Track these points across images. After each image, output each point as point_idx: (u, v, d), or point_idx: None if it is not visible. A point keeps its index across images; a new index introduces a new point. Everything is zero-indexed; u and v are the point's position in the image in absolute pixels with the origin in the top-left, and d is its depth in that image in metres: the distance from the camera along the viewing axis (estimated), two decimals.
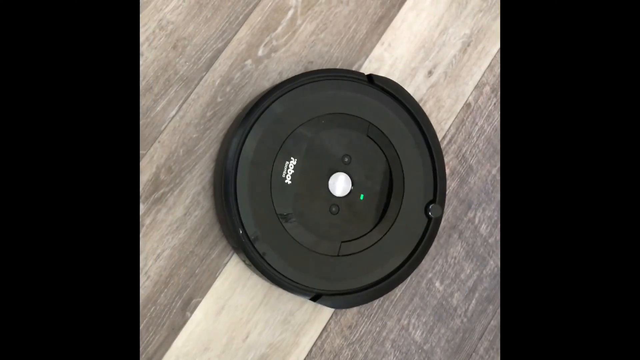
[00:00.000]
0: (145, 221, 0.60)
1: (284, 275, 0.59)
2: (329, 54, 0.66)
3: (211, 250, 0.62)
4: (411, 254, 0.62)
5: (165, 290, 0.61)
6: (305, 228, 0.59)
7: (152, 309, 0.61)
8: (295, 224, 0.59)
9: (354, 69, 0.67)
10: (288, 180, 0.59)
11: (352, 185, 0.61)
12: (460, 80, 0.70)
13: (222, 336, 0.62)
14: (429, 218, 0.63)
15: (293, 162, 0.59)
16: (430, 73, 0.69)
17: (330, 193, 0.61)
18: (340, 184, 0.61)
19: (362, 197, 0.61)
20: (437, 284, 0.69)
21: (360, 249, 0.61)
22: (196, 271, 0.62)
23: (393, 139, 0.62)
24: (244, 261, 0.61)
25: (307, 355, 0.64)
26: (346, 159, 0.61)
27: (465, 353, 0.70)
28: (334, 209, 0.60)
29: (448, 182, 0.69)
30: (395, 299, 0.67)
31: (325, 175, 0.60)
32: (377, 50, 0.68)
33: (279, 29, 0.65)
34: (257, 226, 0.58)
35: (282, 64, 0.65)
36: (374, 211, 0.62)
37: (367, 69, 0.67)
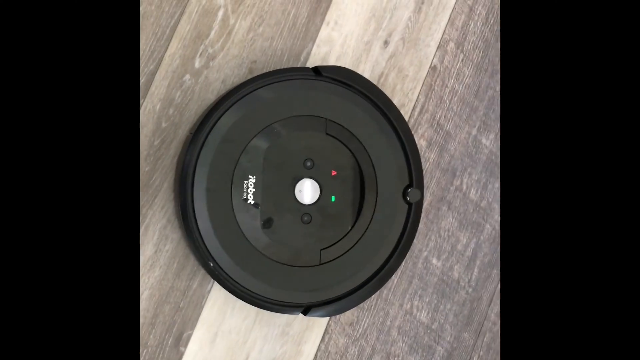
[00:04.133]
0: None
1: (267, 298, 0.56)
2: (271, 49, 0.61)
3: (191, 281, 0.60)
4: (397, 245, 0.59)
5: (154, 330, 0.59)
6: (279, 245, 0.56)
7: (144, 351, 0.59)
8: (268, 242, 0.56)
9: (301, 57, 0.62)
10: (250, 200, 0.56)
11: (320, 189, 0.57)
12: (420, 43, 0.64)
13: None
14: (409, 203, 0.59)
15: (252, 180, 0.56)
16: (386, 43, 0.64)
17: (299, 202, 0.57)
18: (307, 191, 0.57)
19: (333, 198, 0.58)
20: (434, 260, 0.66)
21: (342, 252, 0.58)
22: (181, 305, 0.60)
23: (354, 130, 0.58)
24: None
25: None
26: (308, 163, 0.57)
27: (477, 322, 0.68)
28: (305, 218, 0.57)
29: (427, 154, 0.65)
30: (393, 286, 0.65)
31: (289, 185, 0.57)
32: (323, 32, 0.62)
33: (212, 34, 0.60)
34: (228, 254, 0.55)
35: (224, 71, 0.60)
36: (349, 210, 0.58)
37: (316, 54, 0.62)
